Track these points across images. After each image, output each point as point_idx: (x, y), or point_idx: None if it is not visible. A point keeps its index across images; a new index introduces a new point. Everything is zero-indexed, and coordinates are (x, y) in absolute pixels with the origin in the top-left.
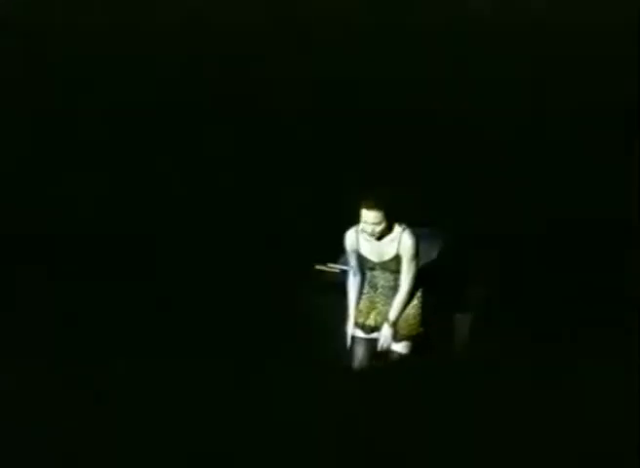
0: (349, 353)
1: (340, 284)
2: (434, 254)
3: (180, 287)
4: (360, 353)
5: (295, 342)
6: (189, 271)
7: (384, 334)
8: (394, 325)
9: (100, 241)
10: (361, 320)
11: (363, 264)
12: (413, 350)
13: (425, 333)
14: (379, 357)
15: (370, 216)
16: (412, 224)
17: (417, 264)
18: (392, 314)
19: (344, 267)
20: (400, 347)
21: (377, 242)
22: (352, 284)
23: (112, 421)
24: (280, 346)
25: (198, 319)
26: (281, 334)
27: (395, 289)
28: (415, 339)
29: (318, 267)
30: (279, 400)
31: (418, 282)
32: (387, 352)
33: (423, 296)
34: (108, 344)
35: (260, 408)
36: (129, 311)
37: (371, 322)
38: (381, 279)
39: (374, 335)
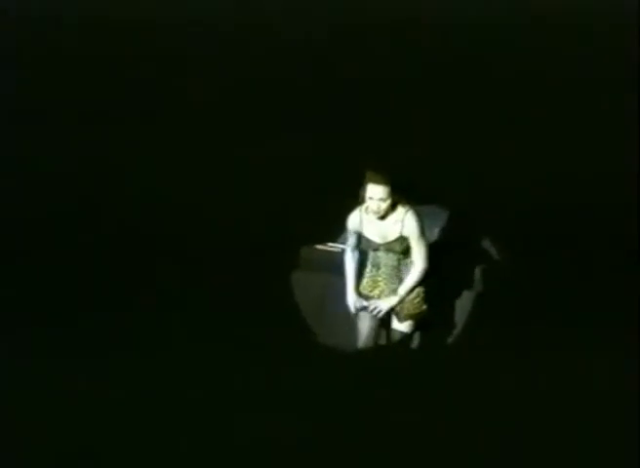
0: (353, 330)
1: (339, 263)
2: (436, 232)
3: (170, 262)
4: (364, 330)
5: (293, 322)
6: (179, 248)
7: (381, 302)
8: (400, 302)
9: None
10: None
11: (366, 246)
12: (415, 329)
13: (428, 312)
14: (382, 333)
15: (377, 192)
16: (412, 202)
17: (426, 241)
18: (403, 289)
19: (345, 246)
20: (404, 327)
21: (380, 222)
22: (349, 260)
23: (109, 412)
24: (281, 326)
25: (194, 299)
26: (279, 315)
27: (398, 268)
28: (418, 318)
29: (319, 247)
30: (278, 381)
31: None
32: (390, 330)
33: (426, 275)
34: (103, 339)
35: (260, 390)
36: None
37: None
38: (385, 258)
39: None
